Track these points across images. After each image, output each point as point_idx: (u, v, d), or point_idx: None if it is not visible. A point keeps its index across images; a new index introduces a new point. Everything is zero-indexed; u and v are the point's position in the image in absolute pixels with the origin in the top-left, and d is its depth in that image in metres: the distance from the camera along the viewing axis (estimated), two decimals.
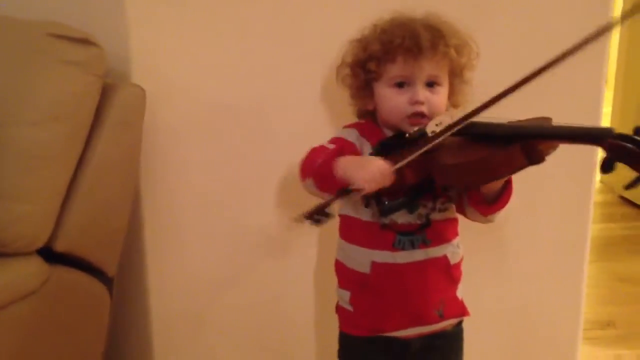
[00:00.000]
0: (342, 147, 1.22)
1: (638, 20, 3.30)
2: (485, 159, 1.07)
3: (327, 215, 1.11)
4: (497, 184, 1.19)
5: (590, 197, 1.77)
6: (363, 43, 1.29)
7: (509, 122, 1.16)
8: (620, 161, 1.05)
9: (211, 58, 1.54)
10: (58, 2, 1.56)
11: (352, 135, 1.28)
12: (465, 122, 1.08)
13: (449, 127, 1.10)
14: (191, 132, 1.58)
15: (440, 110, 1.24)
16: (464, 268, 1.35)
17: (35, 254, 1.34)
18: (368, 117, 1.33)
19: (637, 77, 3.24)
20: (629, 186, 1.06)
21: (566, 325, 1.86)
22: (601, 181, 3.58)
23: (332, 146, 1.23)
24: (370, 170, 1.09)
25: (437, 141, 1.10)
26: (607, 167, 1.06)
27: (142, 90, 1.49)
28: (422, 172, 1.12)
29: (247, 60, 1.54)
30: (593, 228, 2.99)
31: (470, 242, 1.36)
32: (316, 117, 1.58)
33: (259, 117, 1.58)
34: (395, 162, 1.10)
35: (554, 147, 1.11)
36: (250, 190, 1.63)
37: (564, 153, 1.44)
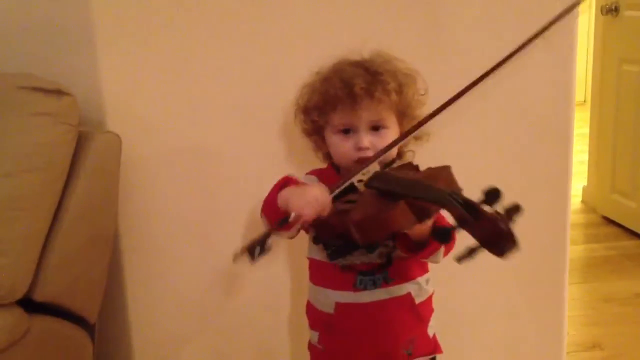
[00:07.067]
0: (287, 182, 1.22)
1: (609, 41, 3.34)
2: (377, 216, 1.06)
3: (264, 249, 1.08)
4: (423, 231, 1.15)
5: (566, 218, 1.79)
6: (309, 91, 1.31)
7: (412, 175, 1.17)
8: (460, 227, 0.98)
9: (183, 101, 1.56)
10: (31, 54, 1.58)
11: (312, 181, 1.29)
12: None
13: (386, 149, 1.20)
14: (166, 174, 1.60)
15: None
16: (441, 300, 1.35)
17: (15, 305, 1.33)
18: (330, 159, 1.34)
19: (612, 96, 3.28)
20: (461, 258, 0.95)
21: (550, 349, 1.86)
22: (583, 201, 3.61)
23: None
24: (307, 195, 1.09)
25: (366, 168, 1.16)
26: (440, 235, 1.01)
27: (117, 136, 1.51)
28: (342, 224, 1.10)
29: (218, 100, 1.57)
30: (576, 249, 3.03)
31: (446, 273, 1.36)
32: (283, 154, 1.61)
33: (230, 155, 1.61)
34: (332, 191, 1.12)
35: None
36: (228, 226, 1.63)
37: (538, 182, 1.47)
